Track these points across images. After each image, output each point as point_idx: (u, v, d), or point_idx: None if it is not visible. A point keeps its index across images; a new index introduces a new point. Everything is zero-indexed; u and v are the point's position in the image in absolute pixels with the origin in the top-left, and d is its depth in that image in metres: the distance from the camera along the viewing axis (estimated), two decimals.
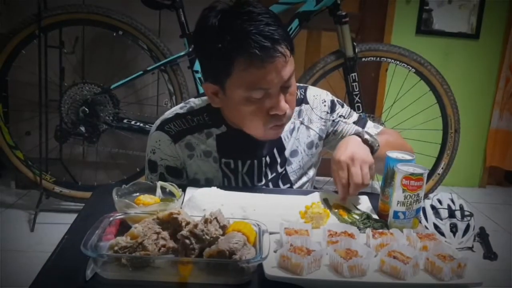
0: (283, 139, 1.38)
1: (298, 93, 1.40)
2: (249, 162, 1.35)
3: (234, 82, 1.19)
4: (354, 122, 1.43)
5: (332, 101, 1.43)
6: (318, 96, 1.42)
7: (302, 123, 1.40)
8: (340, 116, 1.43)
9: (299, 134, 1.40)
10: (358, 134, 1.28)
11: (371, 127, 1.44)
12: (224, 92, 1.23)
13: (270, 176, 1.38)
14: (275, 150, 1.37)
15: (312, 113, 1.41)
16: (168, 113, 1.37)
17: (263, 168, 1.37)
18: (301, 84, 1.44)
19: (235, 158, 1.35)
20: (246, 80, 1.17)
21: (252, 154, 1.35)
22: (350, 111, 1.46)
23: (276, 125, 1.24)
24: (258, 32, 1.14)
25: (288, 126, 1.38)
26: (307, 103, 1.41)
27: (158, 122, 1.37)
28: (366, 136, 1.26)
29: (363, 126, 1.43)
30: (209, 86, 1.26)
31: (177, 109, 1.38)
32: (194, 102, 1.39)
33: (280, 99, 1.20)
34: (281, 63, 1.17)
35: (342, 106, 1.45)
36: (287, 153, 1.39)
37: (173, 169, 1.36)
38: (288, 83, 1.21)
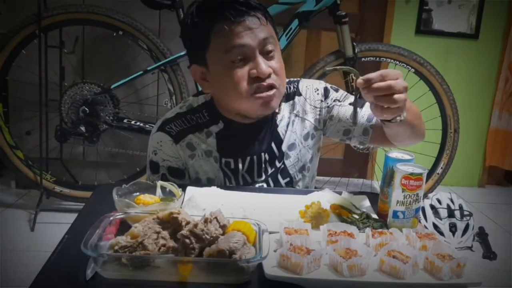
0: (280, 133, 1.38)
1: (291, 87, 1.41)
2: (249, 158, 1.36)
3: (213, 53, 1.24)
4: (351, 104, 1.39)
5: (325, 88, 1.42)
6: (311, 86, 1.42)
7: (297, 115, 1.40)
8: (334, 101, 1.41)
9: (295, 127, 1.40)
10: None
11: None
12: (208, 70, 1.27)
13: (269, 171, 1.38)
14: (273, 145, 1.38)
15: (306, 104, 1.41)
16: (169, 114, 1.38)
17: (263, 164, 1.37)
18: (294, 78, 1.44)
19: (235, 156, 1.35)
20: (222, 45, 1.22)
21: (251, 150, 1.35)
22: (346, 95, 1.42)
23: (261, 92, 1.24)
24: (232, 0, 1.20)
25: (284, 122, 1.39)
26: (300, 94, 1.41)
27: (159, 123, 1.37)
28: None
29: (362, 106, 1.37)
30: (196, 69, 1.30)
31: (177, 109, 1.38)
32: (193, 100, 1.39)
33: (260, 61, 1.22)
34: (254, 23, 1.21)
35: (337, 91, 1.42)
36: (284, 146, 1.38)
37: (175, 169, 1.36)
38: (267, 47, 1.23)
